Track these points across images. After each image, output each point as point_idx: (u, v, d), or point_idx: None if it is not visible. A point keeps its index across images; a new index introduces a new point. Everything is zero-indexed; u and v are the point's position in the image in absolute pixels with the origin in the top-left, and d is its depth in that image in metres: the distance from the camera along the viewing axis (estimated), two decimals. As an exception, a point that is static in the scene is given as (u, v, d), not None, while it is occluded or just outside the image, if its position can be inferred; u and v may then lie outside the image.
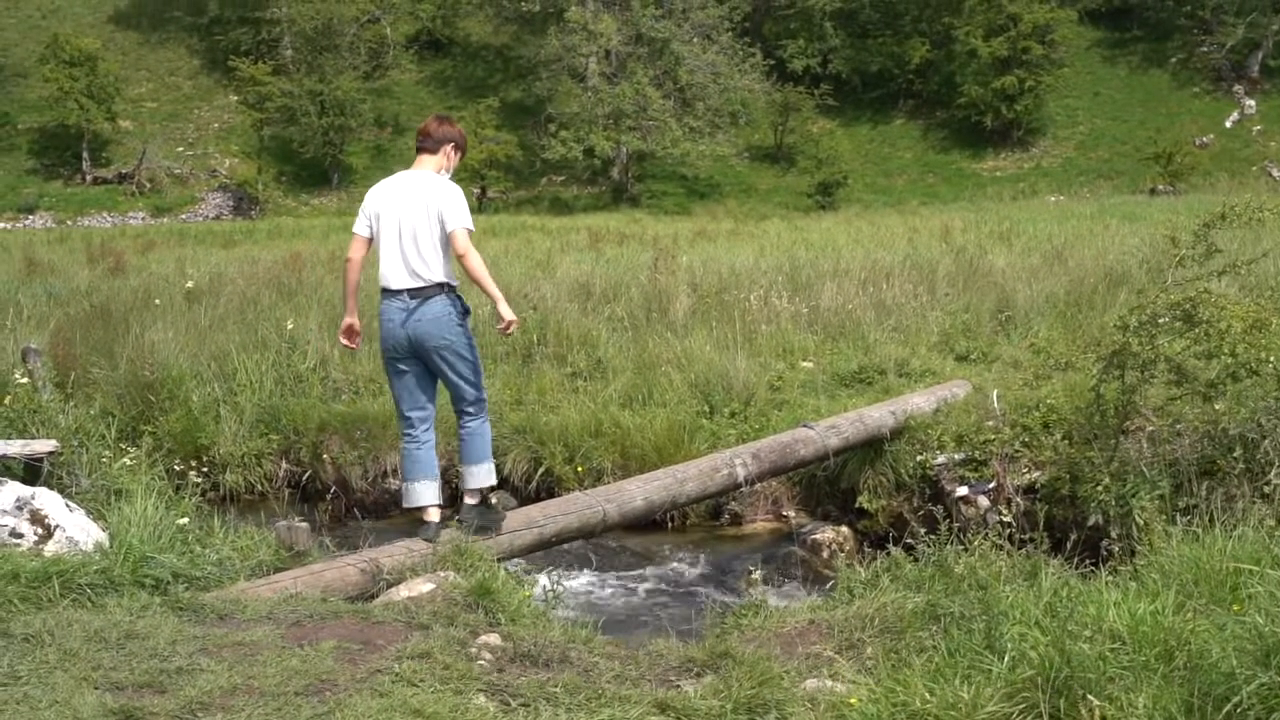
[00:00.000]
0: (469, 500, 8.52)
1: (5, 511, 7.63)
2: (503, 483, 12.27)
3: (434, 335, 8.14)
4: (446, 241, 8.06)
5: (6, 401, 9.76)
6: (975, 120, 60.70)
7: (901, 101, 66.70)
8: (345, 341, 8.74)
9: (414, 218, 8.10)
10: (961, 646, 5.73)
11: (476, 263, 8.00)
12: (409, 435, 8.44)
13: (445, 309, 8.15)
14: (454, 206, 8.06)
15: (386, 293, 8.20)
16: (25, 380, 10.22)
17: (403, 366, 8.31)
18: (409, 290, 8.13)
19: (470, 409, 8.43)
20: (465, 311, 8.30)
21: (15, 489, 7.85)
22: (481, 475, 8.48)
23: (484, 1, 67.70)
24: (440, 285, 8.11)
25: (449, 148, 8.50)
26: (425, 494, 8.33)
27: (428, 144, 8.46)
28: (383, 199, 8.29)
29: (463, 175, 57.62)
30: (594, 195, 57.99)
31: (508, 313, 8.11)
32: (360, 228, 8.35)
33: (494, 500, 8.65)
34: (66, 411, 10.01)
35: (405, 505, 8.55)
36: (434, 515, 8.31)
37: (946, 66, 64.51)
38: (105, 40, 67.05)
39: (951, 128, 63.32)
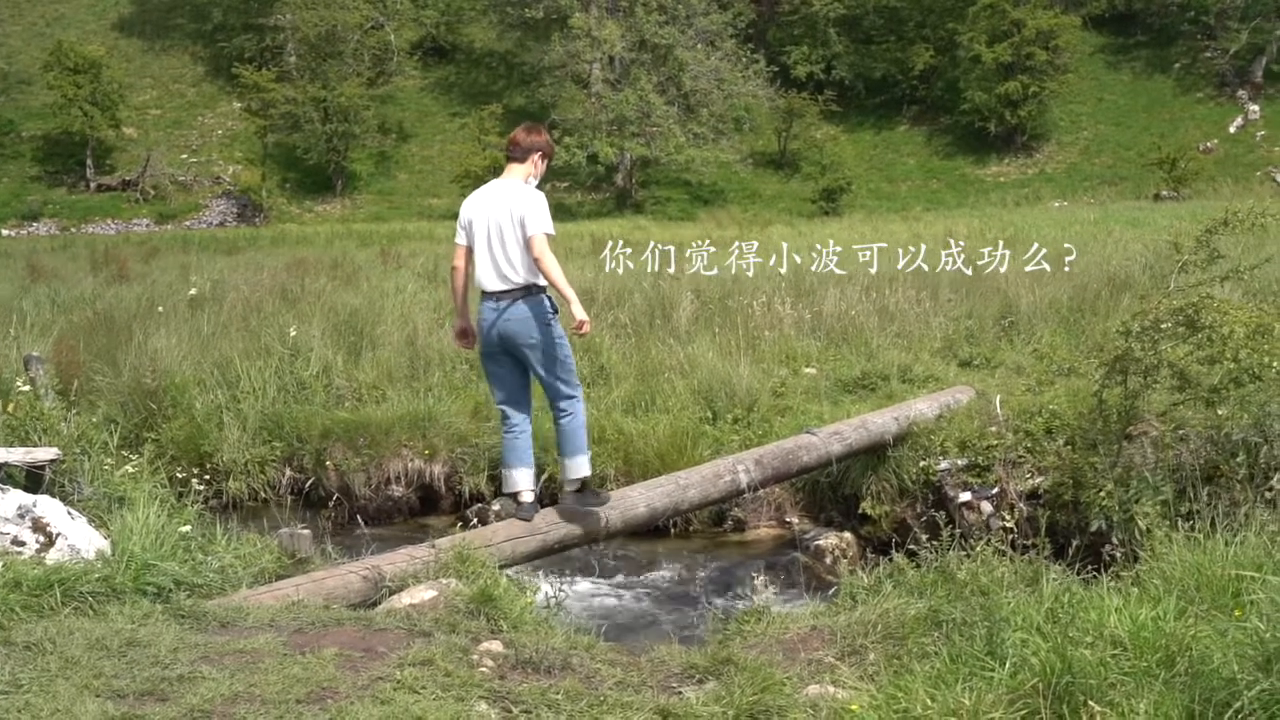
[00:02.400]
0: (569, 489, 9.10)
1: (7, 519, 7.62)
2: (505, 489, 12.32)
3: (522, 334, 8.64)
4: (528, 242, 8.52)
5: (9, 409, 9.75)
6: (979, 126, 60.66)
7: (905, 107, 66.66)
8: (459, 344, 9.40)
9: (500, 224, 8.61)
10: (963, 653, 5.73)
11: (551, 265, 8.42)
12: (505, 425, 9.04)
13: (532, 309, 8.62)
14: (534, 212, 8.52)
15: (482, 294, 8.76)
16: (28, 388, 10.21)
17: (497, 363, 8.88)
18: (499, 292, 8.65)
19: (563, 404, 8.88)
20: (553, 311, 8.72)
21: (17, 497, 7.85)
22: (577, 466, 8.96)
23: (488, 8, 67.74)
24: (527, 287, 8.60)
25: (536, 156, 9.00)
26: (520, 480, 8.91)
27: (516, 153, 8.95)
28: (474, 208, 8.83)
29: (465, 182, 57.76)
30: (598, 201, 57.94)
31: (580, 313, 8.50)
32: (459, 238, 8.91)
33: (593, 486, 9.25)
34: (69, 419, 10.00)
35: (503, 490, 9.12)
36: (528, 497, 8.93)
37: (950, 72, 64.46)
38: (109, 47, 67.10)
39: (955, 133, 63.28)
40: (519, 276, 8.59)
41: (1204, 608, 5.84)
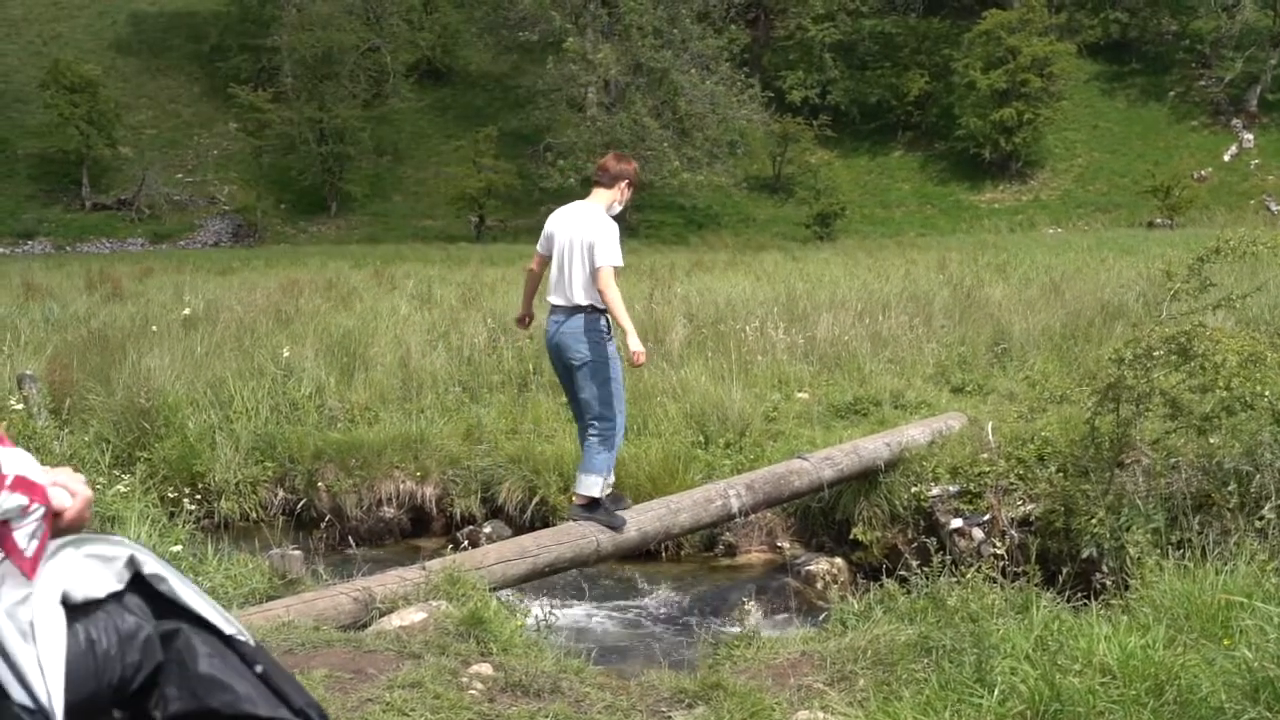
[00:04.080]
0: (576, 503, 9.35)
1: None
2: (496, 511, 12.32)
3: (570, 348, 9.00)
4: (595, 272, 8.87)
5: (1, 428, 9.75)
6: (973, 152, 60.76)
7: (900, 133, 66.77)
8: (518, 326, 10.20)
9: (573, 244, 8.97)
10: (953, 679, 5.74)
11: (613, 296, 8.83)
12: (580, 431, 9.47)
13: (586, 326, 8.98)
14: (605, 243, 8.87)
15: (550, 305, 9.20)
16: (21, 406, 10.23)
17: (559, 374, 9.42)
18: (559, 307, 9.06)
19: (594, 424, 9.15)
20: (607, 333, 9.07)
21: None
22: (588, 485, 9.21)
23: (483, 31, 67.82)
24: (581, 307, 8.96)
25: (623, 184, 9.32)
26: (581, 484, 9.23)
27: (604, 179, 9.31)
28: (556, 223, 9.25)
29: (460, 204, 57.79)
30: (592, 224, 57.51)
31: (636, 344, 8.87)
32: (539, 245, 9.37)
33: (606, 503, 9.39)
34: (61, 438, 10.02)
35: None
36: (579, 502, 9.32)
37: (945, 98, 64.59)
38: (106, 67, 67.16)
39: (950, 159, 63.40)
40: (576, 297, 8.93)
41: (1193, 636, 5.85)
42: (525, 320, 9.90)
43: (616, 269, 8.92)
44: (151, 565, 2.23)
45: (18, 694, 2.01)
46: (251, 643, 2.23)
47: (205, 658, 2.19)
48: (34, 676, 2.01)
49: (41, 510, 2.18)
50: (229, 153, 65.98)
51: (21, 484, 2.16)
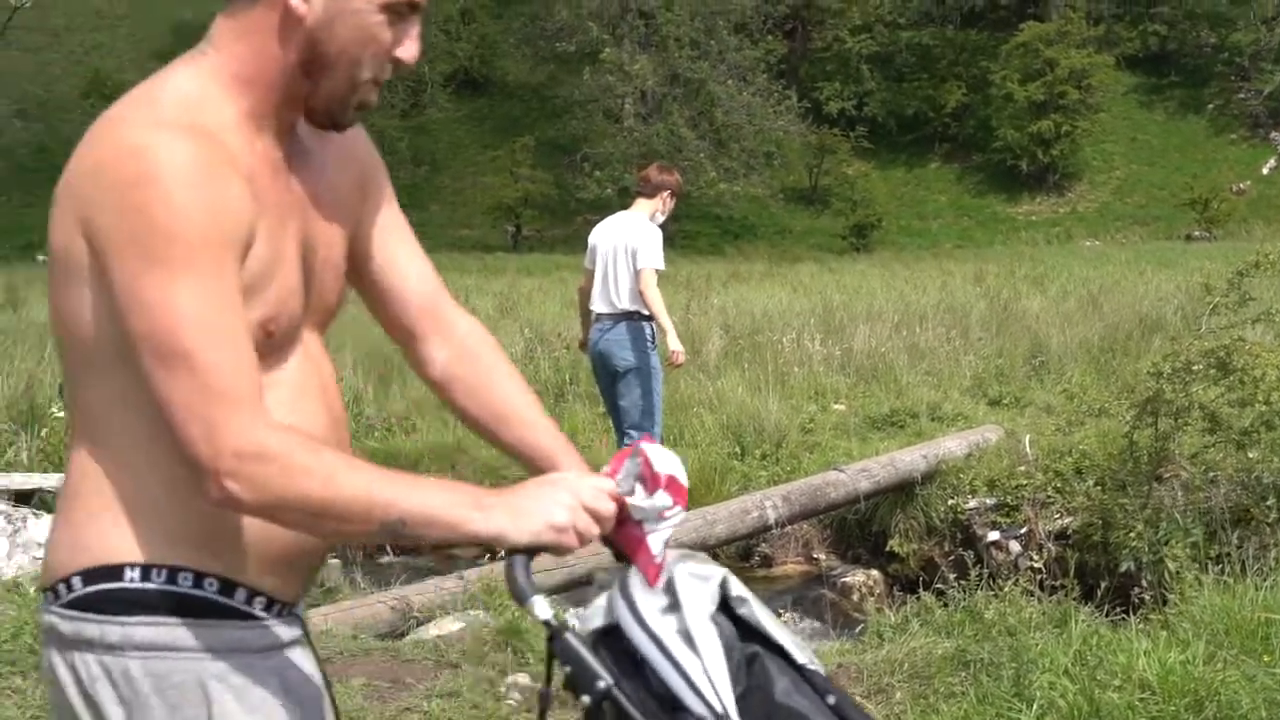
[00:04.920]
0: None
1: (41, 544, 7.68)
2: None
3: (614, 355, 9.18)
4: (637, 274, 9.03)
5: (43, 435, 9.82)
6: (1011, 164, 60.57)
7: (937, 145, 66.58)
8: (583, 351, 10.26)
9: (617, 251, 9.15)
10: (990, 694, 5.71)
11: (654, 298, 9.02)
12: (617, 440, 9.67)
13: (631, 333, 9.15)
14: (648, 247, 9.04)
15: (595, 316, 9.35)
16: (63, 414, 10.28)
17: (601, 382, 9.55)
18: (604, 315, 9.22)
19: (630, 433, 9.30)
20: (652, 342, 9.23)
21: (50, 522, 7.90)
22: None
23: (521, 41, 67.94)
24: (628, 313, 9.14)
25: (665, 194, 9.48)
26: None
27: (646, 188, 9.50)
28: (599, 234, 9.42)
29: (497, 214, 57.89)
30: (628, 235, 57.52)
31: (675, 344, 9.16)
32: (586, 261, 9.60)
33: None
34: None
35: None
36: None
37: (982, 110, 64.40)
38: (147, 76, 67.44)
39: (987, 171, 63.19)
40: (622, 303, 9.08)
41: (1233, 652, 5.82)
42: (587, 346, 9.91)
43: (659, 272, 9.01)
44: (737, 588, 2.21)
45: (694, 704, 2.01)
46: (822, 672, 2.20)
47: (782, 686, 2.15)
48: (705, 686, 2.00)
49: (680, 515, 2.17)
50: (268, 162, 66.18)
51: (673, 485, 2.14)
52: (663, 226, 9.38)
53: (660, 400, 9.30)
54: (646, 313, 9.08)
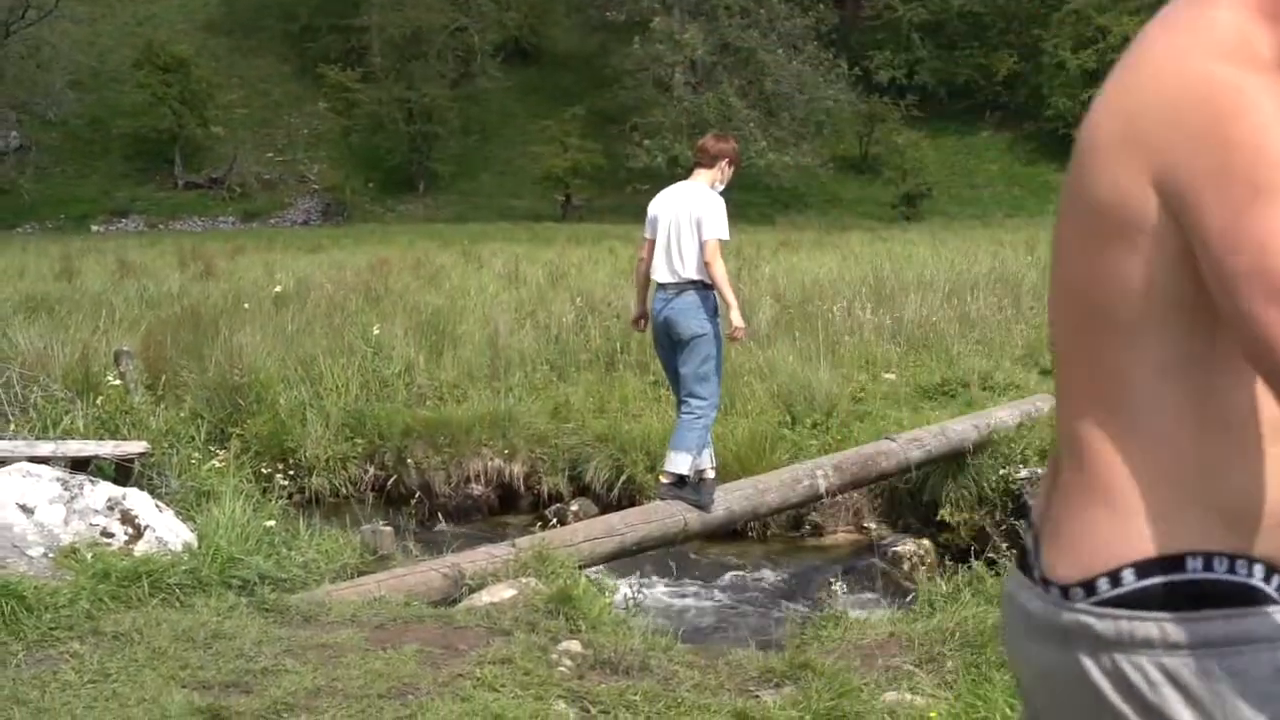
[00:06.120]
0: (664, 480, 9.36)
1: (97, 511, 7.76)
2: (583, 490, 12.37)
3: (679, 323, 9.02)
4: (702, 245, 8.95)
5: (99, 403, 9.90)
6: (1063, 133, 60.07)
7: (988, 113, 66.22)
8: (633, 327, 10.29)
9: (680, 221, 9.06)
10: (1042, 662, 5.70)
11: (719, 269, 8.95)
12: (678, 408, 9.45)
13: (694, 302, 9.02)
14: (711, 216, 8.98)
15: (656, 286, 9.27)
16: (118, 382, 10.37)
17: (663, 351, 9.39)
18: (669, 284, 9.09)
19: (689, 400, 9.17)
20: (715, 311, 9.12)
21: (106, 489, 7.98)
22: (674, 461, 9.22)
23: (570, 10, 67.88)
24: (693, 282, 9.02)
25: (724, 163, 9.41)
26: (670, 461, 9.26)
27: (704, 159, 9.47)
28: (658, 205, 9.36)
29: (547, 183, 57.95)
30: (678, 204, 57.30)
31: (738, 319, 9.12)
32: (645, 232, 9.45)
33: (694, 481, 9.38)
34: (157, 414, 10.14)
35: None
36: (664, 479, 9.37)
37: (1034, 78, 63.96)
38: (198, 47, 67.72)
39: (1039, 140, 62.78)
40: (687, 272, 8.98)
41: None
42: (642, 322, 9.84)
43: (723, 243, 9.01)
44: None
45: None
46: None
47: None
48: None
49: None
50: (318, 132, 66.42)
51: None
52: (722, 195, 9.35)
53: (720, 372, 9.27)
54: (709, 282, 9.04)
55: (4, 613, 6.36)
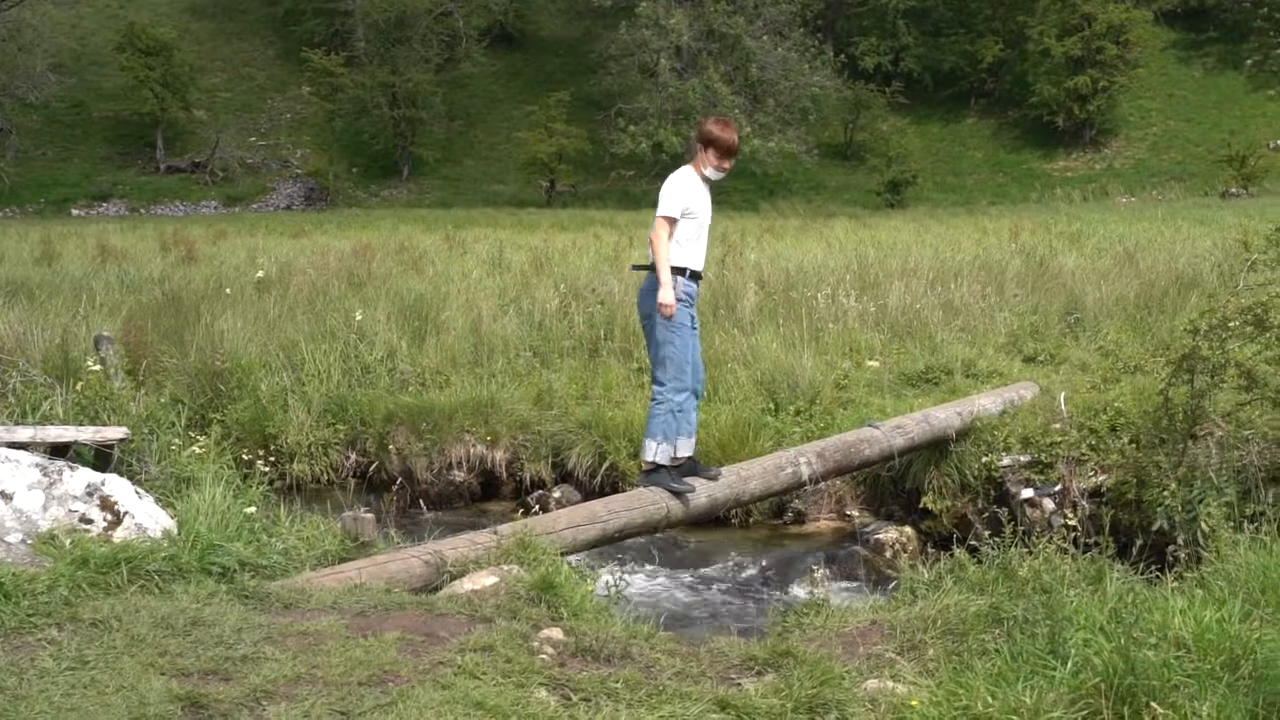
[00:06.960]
0: (643, 469, 9.43)
1: (76, 497, 7.71)
2: (566, 476, 12.36)
3: (643, 305, 9.22)
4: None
5: (79, 388, 9.85)
6: (1047, 120, 60.31)
7: (973, 100, 66.35)
8: None
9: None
10: (1024, 651, 5.70)
11: (657, 244, 8.96)
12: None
13: (652, 285, 9.06)
14: (662, 194, 9.05)
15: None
16: (97, 367, 10.31)
17: (646, 334, 9.42)
18: (642, 265, 9.37)
19: (656, 386, 9.22)
20: (682, 298, 9.03)
21: (86, 475, 7.93)
22: (646, 449, 9.25)
23: (556, -5, 67.87)
24: (654, 264, 9.06)
25: (698, 147, 9.35)
26: (645, 449, 9.26)
27: (689, 149, 9.36)
28: None
29: (531, 169, 57.91)
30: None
31: (667, 296, 8.86)
32: None
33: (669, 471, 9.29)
34: (137, 399, 10.09)
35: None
36: (644, 467, 9.36)
37: (1019, 65, 64.14)
38: (181, 30, 67.59)
39: (1023, 127, 62.93)
40: (649, 253, 9.09)
41: (1269, 610, 5.80)
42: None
43: (669, 220, 8.93)
44: None
45: None
46: None
47: None
48: None
49: None
50: (301, 116, 66.36)
51: None
52: (706, 180, 9.20)
53: (684, 359, 9.11)
54: (682, 265, 8.99)
55: (-19, 599, 6.33)
